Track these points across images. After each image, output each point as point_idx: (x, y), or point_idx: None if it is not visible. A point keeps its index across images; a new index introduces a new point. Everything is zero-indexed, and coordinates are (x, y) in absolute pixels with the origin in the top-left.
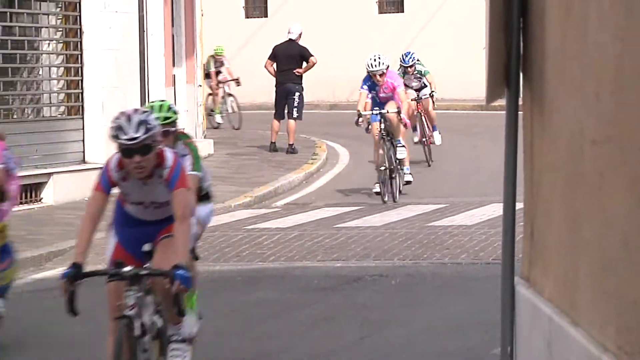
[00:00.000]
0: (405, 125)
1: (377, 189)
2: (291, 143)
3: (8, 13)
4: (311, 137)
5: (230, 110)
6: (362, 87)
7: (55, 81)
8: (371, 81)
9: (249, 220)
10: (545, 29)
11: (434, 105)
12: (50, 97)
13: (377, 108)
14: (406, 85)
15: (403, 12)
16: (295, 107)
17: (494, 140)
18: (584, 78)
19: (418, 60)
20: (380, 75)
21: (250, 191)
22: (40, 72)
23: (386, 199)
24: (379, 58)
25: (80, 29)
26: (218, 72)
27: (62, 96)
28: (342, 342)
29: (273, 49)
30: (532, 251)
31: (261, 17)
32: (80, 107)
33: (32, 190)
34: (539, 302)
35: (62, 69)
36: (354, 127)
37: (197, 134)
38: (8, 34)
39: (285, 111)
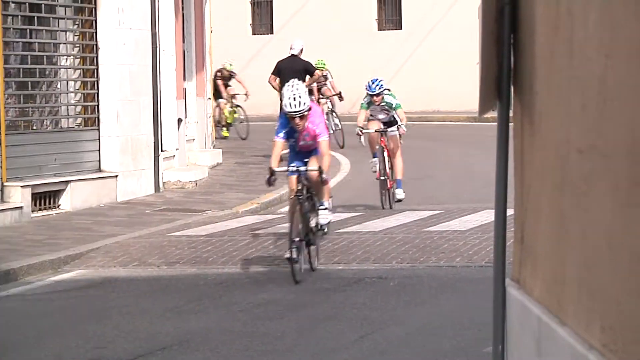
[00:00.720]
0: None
1: (288, 255)
2: None
3: (28, 30)
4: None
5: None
6: (277, 135)
7: (72, 94)
8: (290, 126)
9: (256, 225)
10: (534, 45)
11: (400, 145)
12: (67, 109)
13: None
14: (372, 116)
15: (401, 29)
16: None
17: (486, 149)
18: (570, 91)
19: (388, 90)
20: (300, 118)
21: (257, 198)
22: (59, 86)
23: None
24: (299, 97)
25: (97, 45)
26: (227, 86)
27: (79, 108)
28: (344, 340)
29: (276, 65)
30: (521, 254)
31: (267, 33)
32: (96, 119)
33: (50, 197)
34: (529, 302)
35: (79, 82)
36: (353, 138)
37: (206, 145)
38: (28, 49)
39: None
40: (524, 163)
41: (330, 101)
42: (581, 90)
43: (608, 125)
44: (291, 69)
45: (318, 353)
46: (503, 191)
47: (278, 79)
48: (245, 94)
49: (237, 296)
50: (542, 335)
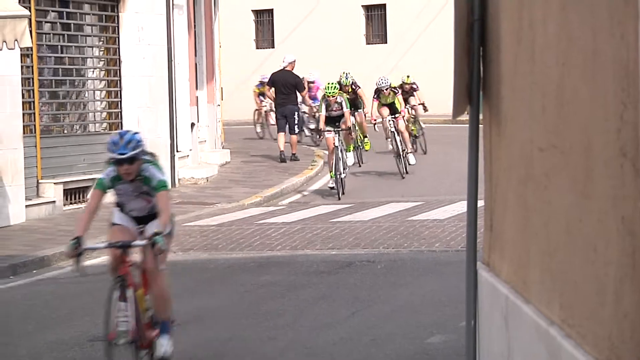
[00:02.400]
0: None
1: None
2: (294, 152)
3: (59, 46)
4: (311, 148)
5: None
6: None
7: (98, 102)
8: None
9: (260, 216)
10: (500, 55)
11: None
12: (94, 115)
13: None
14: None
15: (386, 43)
16: (296, 124)
17: (460, 148)
18: (532, 95)
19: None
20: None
21: (261, 192)
22: (86, 95)
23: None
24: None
25: (119, 59)
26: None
27: (104, 114)
28: (337, 317)
29: (271, 77)
30: (491, 240)
31: (269, 47)
32: (120, 124)
33: (79, 193)
34: (497, 283)
35: (104, 92)
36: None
37: (216, 145)
38: (59, 63)
39: (287, 127)
40: (492, 160)
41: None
42: (541, 94)
43: (565, 126)
44: (283, 81)
45: (315, 328)
46: (474, 185)
47: (273, 89)
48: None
49: (244, 278)
50: (509, 311)
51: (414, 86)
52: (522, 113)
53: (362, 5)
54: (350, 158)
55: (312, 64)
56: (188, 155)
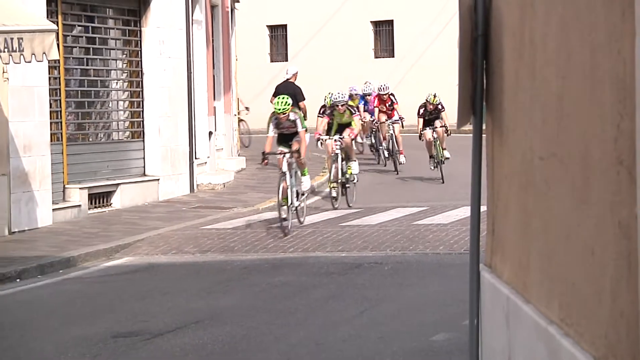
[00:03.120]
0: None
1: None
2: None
3: (85, 58)
4: (322, 155)
5: None
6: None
7: (121, 112)
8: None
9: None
10: (502, 69)
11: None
12: (118, 124)
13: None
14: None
15: (394, 57)
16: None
17: (464, 156)
18: (533, 107)
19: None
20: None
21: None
22: (110, 105)
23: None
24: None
25: (141, 70)
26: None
27: (127, 123)
28: (346, 315)
29: (276, 88)
30: (493, 243)
31: (283, 60)
32: (142, 132)
33: (104, 197)
34: (499, 284)
35: (127, 102)
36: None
37: (232, 153)
38: (85, 74)
39: None
40: (495, 167)
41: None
42: (541, 106)
43: (564, 136)
44: (285, 91)
45: (325, 325)
46: (477, 191)
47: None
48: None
49: (258, 278)
50: (510, 311)
51: (439, 107)
52: (523, 123)
53: (370, 21)
54: (306, 182)
55: (322, 76)
56: (206, 163)
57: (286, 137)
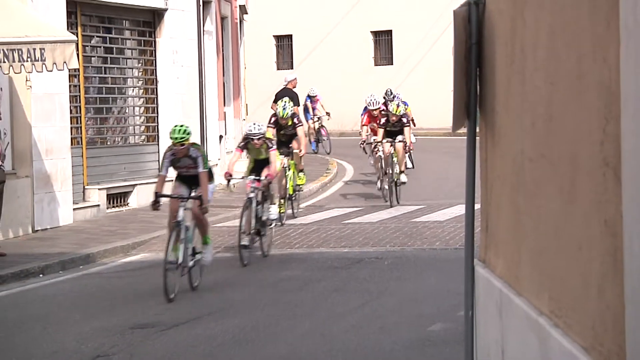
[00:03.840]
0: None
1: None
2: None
3: (103, 67)
4: (325, 157)
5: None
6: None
7: (137, 117)
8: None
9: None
10: (495, 76)
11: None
12: (134, 129)
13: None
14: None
15: (392, 64)
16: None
17: (459, 157)
18: (523, 112)
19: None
20: (258, 139)
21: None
22: (127, 111)
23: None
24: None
25: (156, 79)
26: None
27: (142, 128)
28: (349, 307)
29: (275, 94)
30: (487, 240)
31: (289, 68)
32: (156, 136)
33: (121, 197)
34: (492, 278)
35: (142, 108)
36: (357, 149)
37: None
38: (103, 82)
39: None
40: (488, 169)
41: (320, 119)
42: (532, 111)
43: (553, 139)
44: (282, 97)
45: (329, 317)
46: (472, 190)
47: (275, 105)
48: (327, 114)
49: (266, 273)
50: (503, 303)
51: (403, 119)
52: (514, 127)
53: (370, 31)
54: (273, 211)
55: (327, 83)
56: (217, 164)
57: (185, 179)
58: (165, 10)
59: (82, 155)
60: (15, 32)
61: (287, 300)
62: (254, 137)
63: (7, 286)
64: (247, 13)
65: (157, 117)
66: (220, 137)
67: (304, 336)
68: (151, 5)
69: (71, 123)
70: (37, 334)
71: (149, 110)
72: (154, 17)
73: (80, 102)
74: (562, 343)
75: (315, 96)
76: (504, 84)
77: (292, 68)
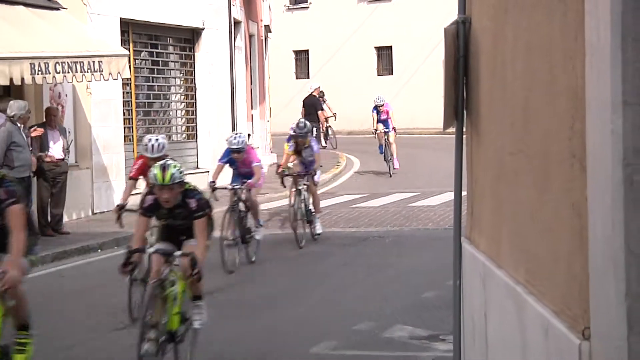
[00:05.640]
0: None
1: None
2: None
3: (150, 77)
4: (336, 152)
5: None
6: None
7: (179, 118)
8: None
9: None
10: (479, 84)
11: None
12: (176, 128)
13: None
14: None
15: (393, 74)
16: (314, 136)
17: (448, 152)
18: (503, 114)
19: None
20: (239, 152)
21: None
22: (170, 113)
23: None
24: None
25: (195, 86)
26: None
27: (183, 128)
28: (356, 278)
29: (303, 101)
30: (472, 222)
31: (305, 78)
32: (195, 134)
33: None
34: (477, 253)
35: (183, 111)
36: (363, 145)
37: (266, 150)
38: (150, 89)
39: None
40: (473, 162)
41: (327, 119)
42: (511, 113)
43: (529, 137)
44: (308, 103)
45: (339, 287)
46: (459, 180)
47: (303, 109)
48: (334, 115)
49: (286, 250)
50: (486, 274)
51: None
52: (496, 127)
53: (374, 47)
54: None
55: (337, 91)
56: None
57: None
58: (203, 29)
59: (133, 151)
60: (78, 47)
61: (305, 271)
62: (234, 151)
63: (71, 260)
64: (270, 32)
65: (196, 118)
66: (248, 135)
67: (316, 303)
68: (191, 25)
69: (124, 123)
70: (97, 299)
71: (189, 112)
72: (193, 35)
73: (131, 106)
74: (535, 308)
75: (321, 97)
76: (487, 90)
77: (308, 77)
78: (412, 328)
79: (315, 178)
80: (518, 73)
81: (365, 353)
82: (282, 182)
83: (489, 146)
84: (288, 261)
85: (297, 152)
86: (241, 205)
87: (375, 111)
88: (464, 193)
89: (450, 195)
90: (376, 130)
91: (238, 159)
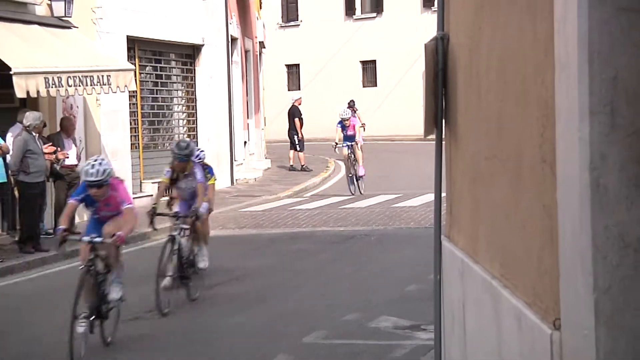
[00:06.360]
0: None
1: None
2: (303, 164)
3: (155, 89)
4: (325, 157)
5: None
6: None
7: (181, 127)
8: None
9: (291, 204)
10: (457, 94)
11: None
12: (178, 136)
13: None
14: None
15: (377, 86)
16: (297, 143)
17: (429, 157)
18: (479, 122)
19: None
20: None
21: (292, 188)
22: (173, 123)
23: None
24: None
25: (195, 98)
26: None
27: (185, 135)
28: (344, 273)
29: (288, 110)
30: (451, 221)
31: (297, 89)
32: (196, 142)
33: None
34: (455, 250)
35: (185, 120)
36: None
37: (261, 157)
38: (155, 101)
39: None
40: (452, 166)
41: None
42: (486, 121)
43: (503, 143)
44: (289, 113)
45: (328, 281)
46: (439, 182)
47: (288, 119)
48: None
49: (280, 246)
50: (464, 269)
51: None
52: (472, 134)
53: (359, 61)
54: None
55: (325, 102)
56: (242, 163)
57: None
58: (202, 45)
59: (139, 157)
60: (89, 63)
61: (296, 267)
62: (94, 184)
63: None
64: (265, 47)
65: (196, 127)
66: (245, 142)
67: (308, 295)
68: (191, 42)
69: (131, 132)
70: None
71: (190, 122)
72: (194, 50)
73: (137, 116)
74: (510, 300)
75: (351, 107)
76: (464, 100)
77: (299, 89)
78: (397, 318)
79: (202, 210)
80: (492, 85)
81: (353, 342)
82: (152, 223)
83: (466, 151)
84: (281, 257)
85: (174, 180)
86: (99, 265)
87: (340, 125)
88: (443, 194)
89: (430, 197)
90: (336, 144)
91: (98, 197)
